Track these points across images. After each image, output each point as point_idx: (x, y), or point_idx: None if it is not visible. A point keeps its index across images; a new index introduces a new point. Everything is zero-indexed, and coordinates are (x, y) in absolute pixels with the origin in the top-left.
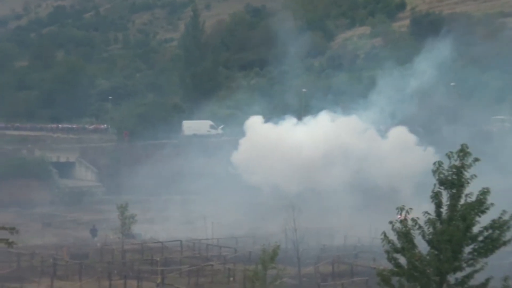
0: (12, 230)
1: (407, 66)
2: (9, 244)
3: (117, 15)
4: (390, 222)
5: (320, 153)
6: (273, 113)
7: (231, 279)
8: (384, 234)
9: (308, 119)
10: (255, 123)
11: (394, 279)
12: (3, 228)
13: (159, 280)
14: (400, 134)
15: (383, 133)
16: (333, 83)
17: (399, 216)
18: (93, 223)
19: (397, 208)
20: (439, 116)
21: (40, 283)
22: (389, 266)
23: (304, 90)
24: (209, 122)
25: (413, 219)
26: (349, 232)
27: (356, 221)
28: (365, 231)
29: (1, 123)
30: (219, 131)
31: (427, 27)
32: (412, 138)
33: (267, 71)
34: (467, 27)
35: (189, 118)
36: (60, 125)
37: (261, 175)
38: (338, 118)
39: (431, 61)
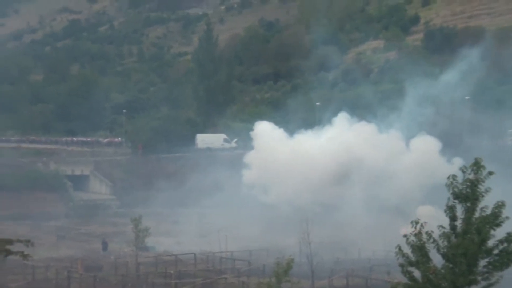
0: (28, 242)
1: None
2: (25, 256)
3: (132, 28)
4: (405, 236)
5: (336, 166)
6: (287, 127)
7: None
8: (399, 247)
9: (323, 128)
10: (263, 132)
11: None
12: (19, 240)
13: None
14: (423, 143)
15: (405, 142)
16: (347, 97)
17: (404, 229)
18: (104, 236)
19: (411, 222)
20: (462, 128)
21: None
22: (403, 279)
23: (318, 103)
24: (223, 136)
25: (427, 233)
26: (363, 245)
27: (371, 234)
28: (380, 245)
29: (17, 136)
30: (233, 144)
31: (441, 41)
32: (436, 147)
33: (281, 84)
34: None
35: (203, 131)
36: (74, 139)
37: (275, 192)
38: (355, 124)
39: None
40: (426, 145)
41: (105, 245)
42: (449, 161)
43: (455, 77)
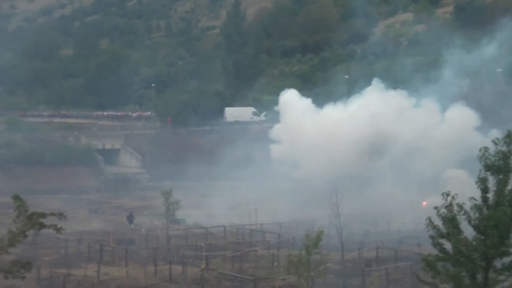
0: (61, 216)
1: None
2: (58, 230)
3: (160, 3)
4: (436, 208)
5: (366, 138)
6: (315, 100)
7: (275, 264)
8: (429, 219)
9: (352, 100)
10: (290, 102)
11: (439, 265)
12: (52, 214)
13: (203, 266)
14: (459, 114)
15: (439, 114)
16: (376, 70)
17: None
18: (132, 210)
19: (442, 194)
20: (498, 100)
21: (87, 269)
22: (434, 251)
23: (346, 76)
24: (252, 109)
25: (458, 205)
26: (393, 218)
27: (401, 207)
28: (410, 217)
29: (49, 111)
30: (262, 117)
31: (471, 14)
32: (472, 119)
33: (309, 58)
34: None
35: (232, 105)
36: (105, 113)
37: (304, 166)
38: (387, 93)
39: (493, 44)
40: (462, 117)
41: (131, 219)
42: (486, 133)
43: (491, 49)
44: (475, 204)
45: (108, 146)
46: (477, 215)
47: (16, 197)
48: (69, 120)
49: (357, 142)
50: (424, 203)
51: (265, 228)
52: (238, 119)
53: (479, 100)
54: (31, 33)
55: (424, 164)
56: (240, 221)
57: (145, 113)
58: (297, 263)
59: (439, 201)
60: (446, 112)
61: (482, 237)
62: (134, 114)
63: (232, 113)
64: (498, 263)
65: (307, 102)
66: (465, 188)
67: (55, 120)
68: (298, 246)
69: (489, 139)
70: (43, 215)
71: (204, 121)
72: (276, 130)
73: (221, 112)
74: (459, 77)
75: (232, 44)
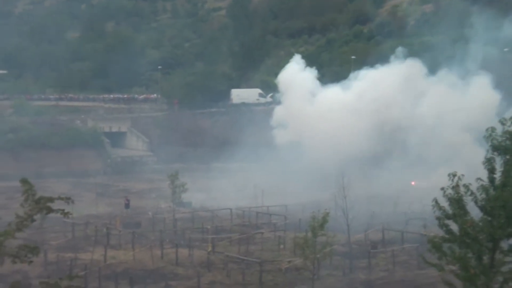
0: (68, 200)
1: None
2: (65, 214)
3: None
4: (442, 189)
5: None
6: (322, 81)
7: (281, 246)
8: (436, 200)
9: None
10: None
11: (446, 246)
12: (59, 198)
13: (209, 248)
14: (477, 91)
15: (456, 92)
16: (383, 50)
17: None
18: (126, 194)
19: (448, 175)
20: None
21: (94, 252)
22: (440, 233)
23: (353, 57)
24: (258, 90)
25: (465, 185)
26: (399, 199)
27: (407, 188)
28: (416, 198)
29: (55, 94)
30: (268, 99)
31: None
32: (490, 96)
33: (315, 38)
34: None
35: (238, 86)
36: (111, 95)
37: (309, 149)
38: (404, 63)
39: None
40: (480, 94)
41: (127, 203)
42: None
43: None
44: (481, 185)
45: (114, 129)
46: (483, 196)
47: (24, 181)
48: (76, 103)
49: (366, 125)
50: (413, 183)
51: (271, 211)
52: (244, 100)
53: (495, 78)
54: (38, 16)
55: (437, 147)
56: (246, 204)
57: (152, 96)
58: (303, 245)
59: (428, 182)
60: (462, 92)
61: (489, 218)
62: (141, 97)
63: (238, 94)
64: (505, 244)
65: (310, 77)
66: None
67: (62, 103)
68: (304, 228)
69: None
70: (51, 199)
71: (210, 103)
72: (278, 113)
73: (227, 94)
74: (472, 57)
75: (239, 26)
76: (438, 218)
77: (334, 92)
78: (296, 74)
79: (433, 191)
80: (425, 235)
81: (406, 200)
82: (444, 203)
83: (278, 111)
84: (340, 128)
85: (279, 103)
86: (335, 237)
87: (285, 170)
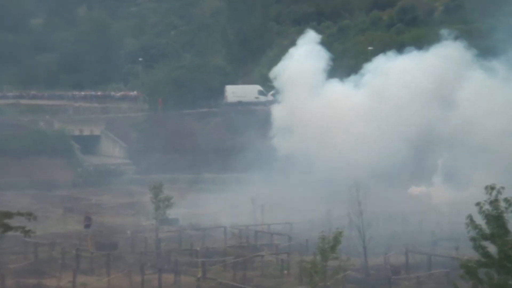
0: (29, 216)
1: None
2: (26, 232)
3: None
4: (477, 204)
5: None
6: (332, 75)
7: (285, 272)
8: (470, 218)
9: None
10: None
11: (482, 272)
12: (19, 213)
13: (199, 274)
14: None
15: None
16: (405, 39)
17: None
18: (88, 211)
19: (485, 188)
20: None
21: (61, 278)
22: (475, 256)
23: (370, 48)
24: (257, 87)
25: (506, 200)
26: (424, 216)
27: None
28: (445, 214)
29: (15, 91)
30: (269, 97)
31: None
32: None
33: (326, 26)
34: None
35: (234, 82)
36: (83, 93)
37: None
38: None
39: None
40: None
41: (88, 221)
42: None
43: None
44: None
45: (86, 132)
46: None
47: None
48: (40, 102)
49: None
50: (410, 190)
51: (273, 229)
52: (241, 99)
53: None
54: None
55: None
56: (243, 221)
57: (131, 93)
58: (311, 271)
59: (425, 189)
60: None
61: None
62: (118, 94)
63: (234, 92)
64: None
65: (319, 66)
66: None
67: (23, 102)
68: (312, 251)
69: None
70: (8, 214)
71: (200, 102)
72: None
73: (221, 92)
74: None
75: (235, 11)
76: (472, 239)
77: (346, 90)
78: (303, 61)
79: (467, 206)
80: (457, 258)
81: (433, 218)
82: (480, 221)
83: (277, 112)
84: (354, 133)
85: (279, 102)
86: (349, 261)
87: (290, 181)
